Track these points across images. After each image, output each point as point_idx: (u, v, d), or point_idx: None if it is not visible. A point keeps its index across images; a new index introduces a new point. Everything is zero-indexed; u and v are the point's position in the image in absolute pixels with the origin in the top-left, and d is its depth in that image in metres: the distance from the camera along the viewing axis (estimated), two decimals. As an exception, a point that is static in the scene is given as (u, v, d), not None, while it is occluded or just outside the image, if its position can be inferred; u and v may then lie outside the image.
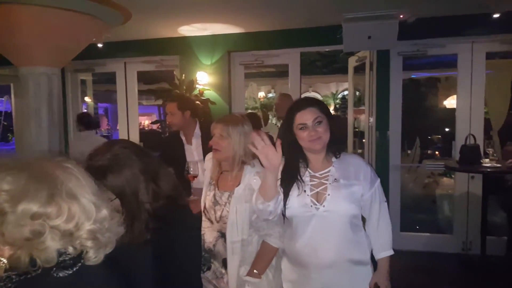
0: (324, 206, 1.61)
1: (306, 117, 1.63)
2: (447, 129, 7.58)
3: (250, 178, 1.85)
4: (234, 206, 1.83)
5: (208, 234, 1.94)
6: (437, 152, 7.30)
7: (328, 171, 1.67)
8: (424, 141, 6.87)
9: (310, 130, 1.62)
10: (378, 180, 1.72)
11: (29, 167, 0.84)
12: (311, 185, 1.66)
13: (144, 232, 1.27)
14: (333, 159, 1.70)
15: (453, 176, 4.76)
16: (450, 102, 8.23)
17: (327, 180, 1.65)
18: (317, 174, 1.68)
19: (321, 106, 1.69)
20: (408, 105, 4.43)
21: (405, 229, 4.38)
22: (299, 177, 1.67)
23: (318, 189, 1.65)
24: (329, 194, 1.62)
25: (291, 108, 1.72)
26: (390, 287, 1.76)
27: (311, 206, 1.63)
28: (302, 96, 5.04)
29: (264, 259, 1.82)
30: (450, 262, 4.07)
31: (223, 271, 1.89)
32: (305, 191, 1.65)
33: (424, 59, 4.74)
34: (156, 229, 1.28)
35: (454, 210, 4.36)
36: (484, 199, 3.73)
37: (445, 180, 5.39)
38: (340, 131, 1.82)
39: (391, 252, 1.75)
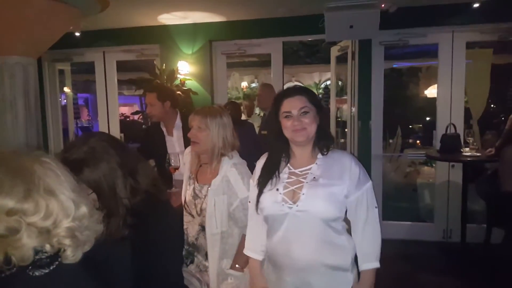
0: (297, 206, 1.48)
1: (292, 105, 1.52)
2: (428, 118, 7.71)
3: (227, 169, 1.83)
4: (212, 198, 1.81)
5: (191, 228, 1.92)
6: (418, 141, 7.43)
7: (309, 169, 1.54)
8: (405, 130, 6.96)
9: (295, 119, 1.50)
10: (369, 183, 1.56)
11: (5, 161, 0.81)
12: (287, 182, 1.54)
13: (121, 228, 1.24)
14: (319, 155, 1.56)
15: (434, 165, 4.84)
16: (431, 92, 8.35)
17: (305, 178, 1.52)
18: (296, 171, 1.55)
19: (310, 96, 1.56)
20: (389, 94, 4.46)
21: (387, 218, 4.44)
22: (276, 173, 1.56)
23: (293, 187, 1.52)
24: (303, 194, 1.48)
25: (278, 94, 1.63)
26: None
27: (283, 204, 1.50)
28: (285, 86, 5.01)
29: (240, 251, 1.80)
30: (431, 249, 4.16)
31: (206, 264, 1.88)
32: (277, 189, 1.53)
33: (405, 48, 4.77)
34: (135, 224, 1.25)
35: (435, 198, 4.44)
36: (464, 187, 3.80)
37: (426, 169, 5.49)
38: (328, 124, 1.70)
39: (376, 265, 1.57)
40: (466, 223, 3.79)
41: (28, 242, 0.76)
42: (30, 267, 0.77)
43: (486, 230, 3.49)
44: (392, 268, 3.79)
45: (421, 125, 8.33)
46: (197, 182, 1.94)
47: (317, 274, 1.50)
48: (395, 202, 4.93)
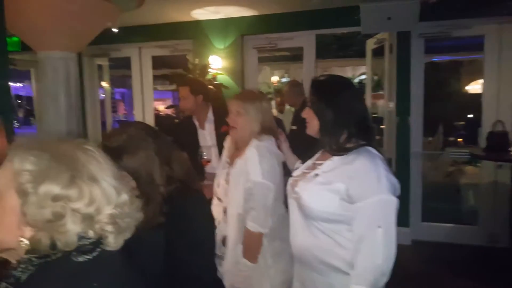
0: (295, 194, 1.48)
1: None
2: (470, 116, 7.34)
3: (250, 149, 1.78)
4: (234, 179, 1.80)
5: (215, 211, 1.89)
6: (459, 139, 7.09)
7: (322, 163, 1.45)
8: (446, 127, 6.65)
9: (304, 112, 1.48)
10: (379, 197, 1.30)
11: (51, 147, 0.83)
12: (304, 170, 1.54)
13: (157, 215, 1.25)
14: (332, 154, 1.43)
15: (478, 164, 4.57)
16: (474, 87, 7.94)
17: (313, 170, 1.48)
18: (316, 162, 1.51)
19: (315, 88, 1.44)
20: (428, 89, 4.24)
21: (426, 219, 4.26)
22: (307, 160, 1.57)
23: (301, 177, 1.51)
24: (298, 186, 1.48)
25: None
26: None
27: (290, 189, 1.54)
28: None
29: (245, 243, 1.77)
30: (474, 254, 3.92)
31: (223, 249, 1.86)
32: (292, 175, 1.56)
33: (445, 41, 4.53)
34: (169, 212, 1.26)
35: (480, 200, 4.19)
36: (513, 189, 3.55)
37: (470, 168, 5.19)
38: (340, 123, 1.39)
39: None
40: (514, 227, 3.55)
41: (72, 228, 0.78)
42: (74, 253, 0.79)
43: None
44: (432, 272, 3.63)
45: (463, 122, 7.95)
46: (231, 167, 1.91)
47: (317, 271, 1.44)
48: (436, 203, 4.70)
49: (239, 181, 1.78)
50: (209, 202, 1.86)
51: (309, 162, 1.57)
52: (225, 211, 1.85)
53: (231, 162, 1.93)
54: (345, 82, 1.56)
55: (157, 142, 1.31)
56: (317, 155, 1.56)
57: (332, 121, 1.39)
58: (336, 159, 1.41)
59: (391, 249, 1.31)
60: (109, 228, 0.82)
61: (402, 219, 4.17)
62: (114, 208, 0.83)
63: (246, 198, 1.76)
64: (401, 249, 4.04)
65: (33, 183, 0.77)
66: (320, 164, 1.46)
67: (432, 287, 3.33)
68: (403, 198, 4.64)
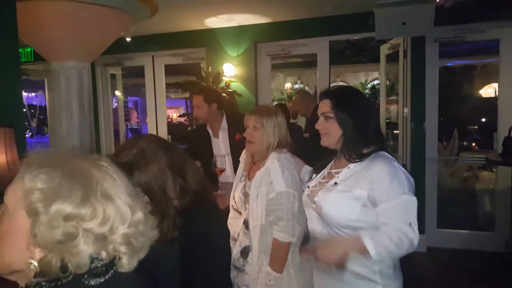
0: (314, 205, 1.49)
1: (320, 108, 1.51)
2: (484, 120, 7.22)
3: (271, 161, 1.81)
4: (255, 190, 1.80)
5: (234, 224, 1.92)
6: (474, 144, 6.97)
7: (339, 172, 1.50)
8: (461, 132, 6.55)
9: (319, 123, 1.51)
10: (403, 197, 1.35)
11: (63, 164, 0.79)
12: (320, 180, 1.56)
13: (172, 230, 1.23)
14: (350, 162, 1.48)
15: (494, 170, 4.49)
16: (487, 91, 7.81)
17: (330, 179, 1.51)
18: (333, 171, 1.53)
19: (338, 100, 1.47)
20: (442, 94, 4.19)
21: (442, 226, 4.19)
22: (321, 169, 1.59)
23: (319, 187, 1.53)
24: (318, 196, 1.49)
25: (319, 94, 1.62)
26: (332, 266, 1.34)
27: (308, 201, 1.54)
28: (331, 85, 4.89)
29: (273, 253, 1.77)
30: (491, 261, 3.83)
31: (242, 261, 1.86)
32: (308, 186, 1.58)
33: (459, 45, 4.47)
34: (183, 226, 1.24)
35: (496, 206, 4.11)
36: (530, 194, 3.49)
37: (486, 174, 5.09)
38: (362, 133, 1.45)
39: (372, 252, 1.30)
40: (533, 233, 3.46)
41: (85, 249, 0.74)
42: (86, 276, 0.75)
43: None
44: (449, 279, 3.55)
45: (476, 127, 7.81)
46: (248, 180, 1.92)
47: (341, 280, 1.45)
48: (451, 208, 4.62)
49: (261, 192, 1.79)
50: (224, 213, 1.86)
51: (325, 172, 1.58)
52: (245, 223, 1.85)
53: (248, 175, 1.94)
54: (359, 92, 1.65)
55: (169, 154, 1.28)
56: (331, 164, 1.58)
57: (356, 130, 1.44)
58: (352, 166, 1.45)
59: (411, 247, 1.36)
60: (123, 248, 0.78)
61: (418, 226, 4.12)
62: (128, 227, 0.78)
63: (270, 210, 1.77)
64: (416, 256, 4.02)
65: (44, 202, 0.73)
66: (338, 173, 1.50)
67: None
68: (419, 205, 4.54)
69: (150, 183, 1.23)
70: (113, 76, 5.89)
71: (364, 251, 1.30)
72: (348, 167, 1.46)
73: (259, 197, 1.78)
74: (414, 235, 1.35)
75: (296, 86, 10.02)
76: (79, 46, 3.20)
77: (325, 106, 1.49)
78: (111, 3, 3.09)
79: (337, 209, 1.42)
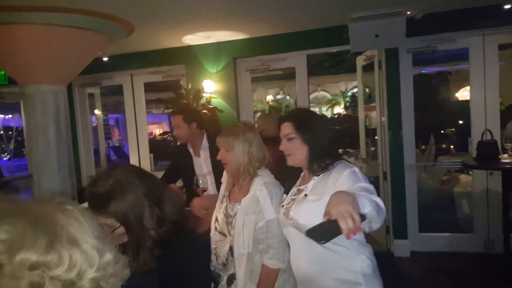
0: (291, 220, 1.57)
1: (281, 131, 1.63)
2: (461, 122, 7.43)
3: (257, 188, 1.80)
4: (241, 217, 1.79)
5: (220, 248, 1.90)
6: (452, 146, 7.15)
7: (305, 186, 1.61)
8: (438, 135, 6.71)
9: (282, 146, 1.62)
10: (363, 184, 1.39)
11: (27, 211, 0.78)
12: (291, 198, 1.65)
13: (149, 260, 1.22)
14: (314, 175, 1.59)
15: (470, 173, 4.62)
16: (462, 94, 8.06)
17: (300, 194, 1.61)
18: (301, 187, 1.64)
19: (298, 121, 1.60)
20: (419, 100, 4.32)
21: (424, 230, 4.28)
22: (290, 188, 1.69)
23: (292, 203, 1.62)
24: (292, 210, 1.58)
25: (278, 119, 1.74)
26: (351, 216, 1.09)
27: (285, 219, 1.61)
28: (311, 96, 4.97)
29: (262, 281, 1.75)
30: (472, 262, 3.95)
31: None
32: (283, 205, 1.66)
33: (434, 53, 4.61)
34: (162, 256, 1.23)
35: (474, 208, 4.23)
36: (505, 195, 3.57)
37: (463, 177, 5.24)
38: (324, 146, 1.59)
39: (366, 210, 1.17)
40: (509, 233, 3.55)
41: None
42: None
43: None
44: (433, 283, 3.62)
45: (454, 129, 8.03)
46: (230, 201, 1.92)
47: None
48: (432, 213, 4.72)
49: (248, 220, 1.77)
50: (203, 240, 1.84)
51: (294, 189, 1.69)
52: (231, 250, 1.83)
53: (229, 197, 1.94)
54: (314, 112, 1.81)
55: (146, 184, 1.28)
56: (298, 181, 1.70)
57: (320, 145, 1.57)
58: (317, 178, 1.58)
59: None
60: None
61: (400, 231, 4.24)
62: (97, 270, 0.77)
63: (259, 238, 1.76)
64: (401, 262, 4.10)
65: (8, 253, 0.70)
66: (305, 186, 1.61)
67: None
68: (400, 211, 4.60)
69: (127, 213, 1.22)
70: (91, 95, 5.83)
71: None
72: (313, 179, 1.59)
73: (246, 225, 1.77)
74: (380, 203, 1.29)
75: (278, 96, 10.12)
76: (54, 69, 3.15)
77: (286, 129, 1.61)
78: (86, 25, 3.07)
79: (311, 218, 1.40)
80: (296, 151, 1.59)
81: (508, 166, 3.42)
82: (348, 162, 1.61)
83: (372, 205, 1.19)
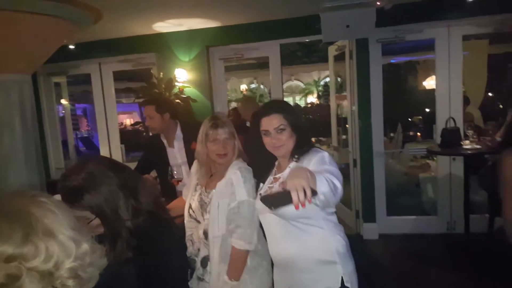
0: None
1: (269, 123, 1.63)
2: (427, 110, 7.70)
3: (232, 172, 1.84)
4: (216, 201, 1.83)
5: (195, 234, 1.92)
6: (418, 134, 7.42)
7: (281, 174, 1.67)
8: (405, 123, 6.95)
9: (272, 138, 1.62)
10: (325, 166, 1.46)
11: (1, 205, 0.79)
12: (268, 186, 1.69)
13: (125, 251, 1.23)
14: (292, 161, 1.65)
15: (435, 158, 4.83)
16: (429, 83, 8.35)
17: (277, 182, 1.66)
18: (277, 176, 1.69)
19: (286, 112, 1.64)
20: (388, 89, 4.43)
21: (391, 214, 4.46)
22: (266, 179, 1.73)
23: (269, 191, 1.66)
24: None
25: (257, 112, 1.75)
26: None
27: (263, 206, 1.62)
28: (285, 85, 5.01)
29: (231, 261, 1.80)
30: (436, 242, 4.18)
31: (202, 270, 1.87)
32: (260, 194, 1.70)
33: (402, 43, 4.75)
34: (138, 246, 1.24)
35: (438, 191, 4.44)
36: (466, 179, 3.78)
37: (428, 162, 5.47)
38: (306, 134, 1.70)
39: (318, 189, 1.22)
40: (469, 214, 3.77)
41: None
42: None
43: (489, 220, 3.48)
44: (400, 264, 3.80)
45: (421, 117, 8.32)
46: (206, 189, 1.93)
47: (305, 271, 1.59)
48: (399, 197, 4.92)
49: (223, 203, 1.81)
50: (179, 229, 1.85)
51: (270, 178, 1.73)
52: (204, 233, 1.86)
53: (204, 185, 1.95)
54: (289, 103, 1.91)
55: (119, 176, 1.28)
56: (274, 170, 1.75)
57: (304, 134, 1.66)
58: (292, 164, 1.63)
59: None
60: (70, 282, 0.78)
61: (369, 215, 4.39)
62: (74, 260, 0.79)
63: (230, 218, 1.80)
64: (369, 244, 4.25)
65: None
66: (281, 175, 1.66)
67: (402, 277, 3.51)
68: (369, 196, 4.75)
69: (101, 206, 1.22)
70: (57, 85, 5.62)
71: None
72: (289, 167, 1.64)
73: (220, 207, 1.81)
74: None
75: (252, 85, 10.11)
76: (17, 57, 3.01)
77: (277, 120, 1.62)
78: (51, 11, 2.94)
79: None
80: (287, 141, 1.62)
81: (469, 152, 3.61)
82: (321, 149, 1.69)
83: (329, 184, 1.27)
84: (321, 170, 1.40)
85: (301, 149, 1.63)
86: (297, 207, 1.11)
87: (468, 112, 5.38)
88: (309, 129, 1.78)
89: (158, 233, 1.31)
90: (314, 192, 1.15)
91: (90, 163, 1.28)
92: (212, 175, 1.95)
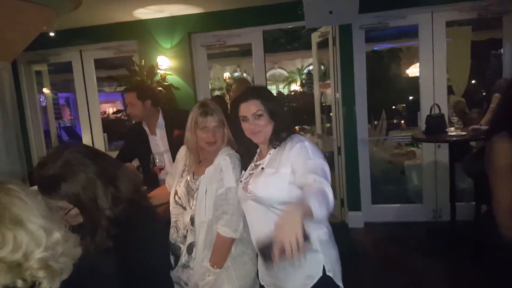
0: (249, 194, 1.62)
1: (246, 109, 1.62)
2: (411, 97, 7.78)
3: (221, 158, 1.83)
4: (204, 186, 1.82)
5: (181, 220, 1.91)
6: (402, 121, 7.50)
7: (262, 161, 1.67)
8: (389, 111, 7.01)
9: (250, 123, 1.62)
10: (310, 161, 1.47)
11: None
12: (249, 173, 1.70)
13: (105, 240, 1.21)
14: (272, 148, 1.66)
15: (420, 146, 4.86)
16: (413, 71, 8.41)
17: (257, 169, 1.66)
18: (258, 163, 1.70)
19: (264, 98, 1.63)
20: (372, 76, 4.45)
21: (376, 202, 4.49)
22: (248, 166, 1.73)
23: (249, 177, 1.67)
24: (250, 183, 1.63)
25: (235, 98, 1.75)
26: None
27: (244, 193, 1.66)
28: (268, 74, 5.00)
29: (215, 248, 1.80)
30: (422, 230, 4.19)
31: (188, 257, 1.87)
32: (241, 181, 1.71)
33: (385, 30, 4.76)
34: (118, 234, 1.22)
35: (423, 179, 4.47)
36: (451, 167, 3.78)
37: (413, 150, 5.52)
38: (285, 121, 1.67)
39: (316, 215, 1.23)
40: (455, 202, 3.77)
41: None
42: None
43: (475, 207, 3.52)
44: (385, 251, 3.85)
45: (404, 105, 8.41)
46: (193, 176, 1.92)
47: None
48: (384, 185, 4.97)
49: (211, 189, 1.80)
50: (160, 215, 1.84)
51: (252, 165, 1.73)
52: (191, 220, 1.85)
53: (192, 172, 1.93)
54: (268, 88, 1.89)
55: (98, 163, 1.25)
56: (256, 157, 1.75)
57: (283, 120, 1.64)
58: (273, 151, 1.64)
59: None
60: (41, 273, 0.75)
61: (354, 203, 4.43)
62: (45, 250, 0.76)
63: (217, 204, 1.79)
64: (355, 232, 4.29)
65: None
66: (262, 161, 1.67)
67: (387, 266, 3.53)
68: (354, 184, 4.76)
69: (79, 194, 1.20)
70: (38, 73, 5.48)
71: (309, 215, 1.23)
72: (269, 154, 1.65)
73: (208, 193, 1.80)
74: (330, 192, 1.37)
75: (236, 74, 10.04)
76: (-6, 45, 2.93)
77: (254, 106, 1.61)
78: (28, -3, 2.86)
79: (268, 189, 1.56)
80: (265, 127, 1.61)
81: (454, 139, 3.59)
82: (303, 136, 1.67)
83: (324, 204, 1.26)
84: (308, 167, 1.41)
85: (279, 136, 1.63)
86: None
87: (459, 100, 5.45)
88: (290, 115, 1.76)
89: (139, 221, 1.30)
90: (306, 238, 1.14)
91: (66, 151, 1.25)
92: (200, 161, 1.93)
